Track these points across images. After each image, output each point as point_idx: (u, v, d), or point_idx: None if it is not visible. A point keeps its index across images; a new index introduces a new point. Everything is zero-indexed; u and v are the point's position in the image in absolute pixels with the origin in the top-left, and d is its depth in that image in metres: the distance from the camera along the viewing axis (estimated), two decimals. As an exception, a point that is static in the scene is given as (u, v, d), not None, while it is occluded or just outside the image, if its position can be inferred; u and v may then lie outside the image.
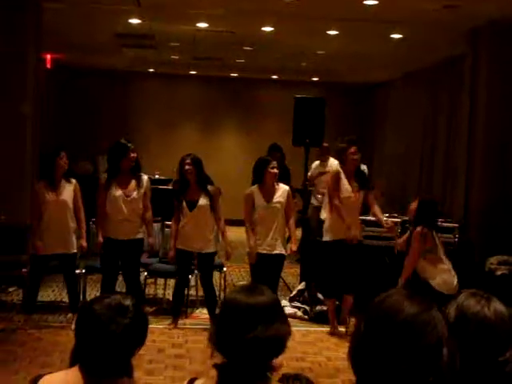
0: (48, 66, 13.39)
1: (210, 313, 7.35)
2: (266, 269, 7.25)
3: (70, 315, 7.35)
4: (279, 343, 2.21)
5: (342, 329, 7.48)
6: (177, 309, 7.60)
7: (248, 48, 11.98)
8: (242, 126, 16.96)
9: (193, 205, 7.32)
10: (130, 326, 2.28)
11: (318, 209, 9.58)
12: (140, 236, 7.37)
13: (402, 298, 1.94)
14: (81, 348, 2.32)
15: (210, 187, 7.38)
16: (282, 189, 7.40)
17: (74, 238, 7.33)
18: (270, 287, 2.35)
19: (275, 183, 7.36)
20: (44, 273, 7.59)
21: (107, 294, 2.42)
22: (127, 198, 7.21)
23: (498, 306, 2.32)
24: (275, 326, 2.19)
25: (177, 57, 13.60)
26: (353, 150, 7.28)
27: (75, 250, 7.36)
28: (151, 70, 16.14)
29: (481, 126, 8.93)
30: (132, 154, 7.19)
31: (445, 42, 10.31)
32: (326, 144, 10.39)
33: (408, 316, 1.89)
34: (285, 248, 7.45)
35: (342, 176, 7.35)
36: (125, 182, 7.23)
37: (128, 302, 2.33)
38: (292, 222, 7.46)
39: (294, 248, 7.51)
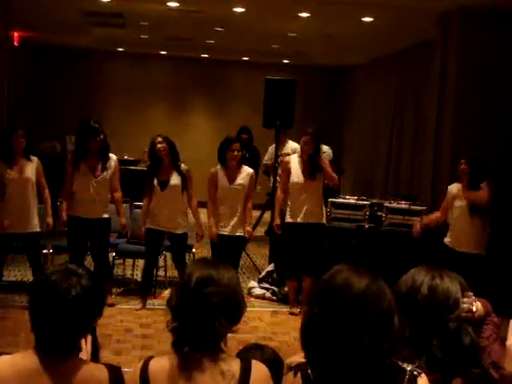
0: (15, 43, 13.18)
1: None
2: (227, 250, 7.24)
3: None
4: (231, 308, 2.30)
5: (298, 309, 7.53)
6: (146, 289, 7.58)
7: (219, 29, 11.90)
8: (213, 107, 16.89)
9: (164, 184, 7.30)
10: (84, 289, 2.21)
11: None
12: (106, 215, 7.33)
13: (350, 274, 2.02)
14: (34, 319, 2.22)
15: (182, 166, 7.37)
16: (246, 171, 7.40)
17: (37, 217, 7.26)
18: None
19: (238, 165, 7.35)
20: (7, 252, 7.51)
21: (63, 263, 2.39)
22: (95, 178, 7.17)
23: (448, 276, 2.44)
24: (223, 290, 2.28)
25: (146, 36, 13.47)
26: (304, 139, 7.44)
27: (39, 229, 7.29)
28: (120, 49, 15.98)
29: (449, 112, 8.98)
30: (101, 136, 7.13)
31: (415, 26, 10.33)
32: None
33: (358, 290, 1.97)
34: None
35: (293, 163, 7.52)
36: (93, 162, 7.18)
37: (81, 270, 2.28)
38: (249, 205, 7.46)
39: (249, 229, 7.49)
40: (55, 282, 2.20)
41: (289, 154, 9.10)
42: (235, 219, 7.33)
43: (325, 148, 9.58)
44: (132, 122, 16.21)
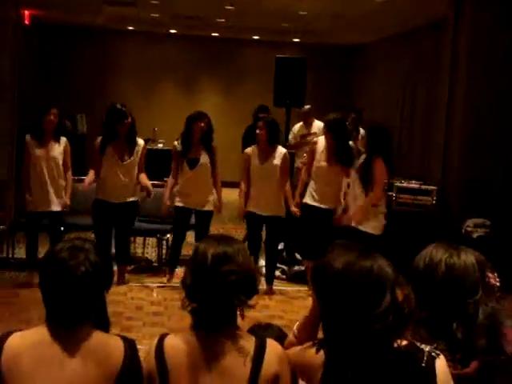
0: (26, 22, 13.16)
1: None
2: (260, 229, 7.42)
3: None
4: (248, 283, 2.30)
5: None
6: (173, 263, 7.63)
7: (229, 7, 11.85)
8: (223, 86, 16.85)
9: (194, 163, 7.35)
10: (92, 264, 2.25)
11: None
12: (133, 199, 7.40)
13: (337, 253, 2.07)
14: (46, 295, 2.27)
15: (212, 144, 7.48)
16: (279, 151, 7.42)
17: (62, 196, 7.33)
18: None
19: (270, 145, 7.38)
20: (37, 231, 7.51)
21: (70, 239, 2.41)
22: (122, 163, 7.23)
23: (465, 253, 2.40)
24: (239, 267, 2.28)
25: (157, 15, 13.42)
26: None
27: (60, 209, 7.36)
28: (131, 28, 15.94)
29: (460, 91, 8.93)
30: (128, 119, 7.19)
31: (427, 5, 10.25)
32: (308, 106, 10.28)
33: (338, 268, 2.02)
34: (280, 209, 7.51)
35: (319, 146, 7.52)
36: (120, 147, 7.24)
37: (87, 245, 2.32)
38: (287, 185, 7.49)
39: (294, 209, 7.49)
40: (64, 259, 2.24)
41: (315, 134, 9.12)
42: (268, 198, 7.37)
43: (362, 132, 9.65)
44: (143, 101, 16.17)
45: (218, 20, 13.61)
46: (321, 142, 7.59)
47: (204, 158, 7.38)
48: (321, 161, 7.49)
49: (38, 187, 7.19)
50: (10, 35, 8.79)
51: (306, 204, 7.54)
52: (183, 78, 16.65)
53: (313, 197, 7.51)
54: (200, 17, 13.23)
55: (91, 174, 7.29)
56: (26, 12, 12.98)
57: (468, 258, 2.38)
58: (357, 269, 2.02)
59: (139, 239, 8.94)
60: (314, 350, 2.14)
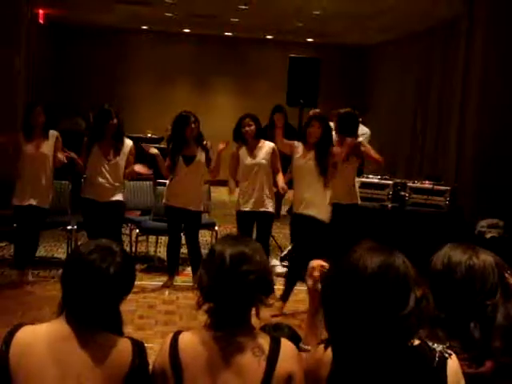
0: (41, 21, 13.23)
1: (194, 272, 7.38)
2: (251, 226, 7.27)
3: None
4: (266, 282, 2.31)
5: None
6: (172, 267, 7.62)
7: (243, 7, 11.86)
8: (236, 85, 16.86)
9: (190, 160, 7.33)
10: (120, 266, 2.29)
11: None
12: (119, 198, 7.37)
13: (363, 253, 2.00)
14: (69, 294, 2.30)
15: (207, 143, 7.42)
16: (267, 146, 7.38)
17: (49, 194, 7.34)
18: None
19: (257, 140, 7.30)
20: (32, 227, 7.40)
21: (94, 240, 2.43)
22: (107, 162, 7.26)
23: (484, 254, 2.38)
24: (257, 266, 2.28)
25: (171, 14, 13.45)
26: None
27: (47, 207, 7.33)
28: (145, 27, 15.98)
29: (475, 89, 8.90)
30: (114, 119, 7.20)
31: (441, 4, 10.22)
32: (314, 110, 10.29)
33: (369, 270, 1.95)
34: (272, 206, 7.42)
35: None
36: (106, 146, 7.27)
37: (115, 246, 2.36)
38: (279, 176, 7.33)
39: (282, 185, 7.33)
40: (94, 261, 2.28)
41: None
42: (261, 194, 7.30)
43: (364, 130, 9.58)
44: (156, 100, 16.23)
45: (232, 19, 13.62)
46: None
47: (200, 156, 7.35)
48: None
49: (26, 182, 7.17)
50: (25, 34, 8.83)
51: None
52: (197, 78, 16.67)
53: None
54: (214, 16, 13.25)
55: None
56: (41, 11, 13.05)
57: (487, 259, 2.36)
58: (393, 269, 1.98)
59: (151, 238, 8.96)
60: (321, 348, 2.14)
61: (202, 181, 7.56)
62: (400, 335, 1.96)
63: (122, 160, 7.31)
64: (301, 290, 7.74)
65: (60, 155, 7.32)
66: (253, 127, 7.27)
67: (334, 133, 7.19)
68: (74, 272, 2.30)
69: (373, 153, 7.44)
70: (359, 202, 7.52)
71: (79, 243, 8.11)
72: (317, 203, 6.74)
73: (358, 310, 1.94)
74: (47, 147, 7.25)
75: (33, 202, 7.19)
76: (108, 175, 7.26)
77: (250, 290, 2.25)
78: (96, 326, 2.28)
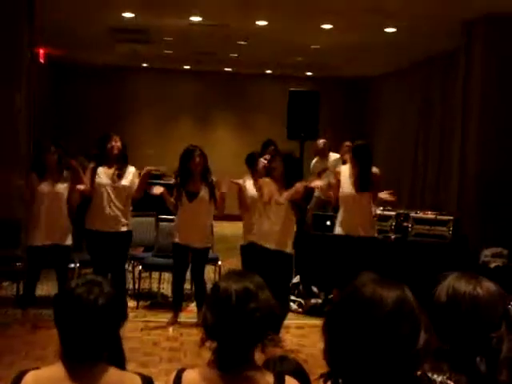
0: (41, 60, 13.35)
1: (199, 308, 7.34)
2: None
3: None
4: (272, 319, 2.27)
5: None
6: (177, 304, 7.56)
7: (242, 42, 11.96)
8: (237, 120, 16.94)
9: (193, 196, 7.31)
10: (108, 298, 2.25)
11: (320, 200, 9.64)
12: (125, 229, 7.32)
13: (377, 286, 1.92)
14: (63, 333, 2.26)
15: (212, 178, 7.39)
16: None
17: (68, 232, 7.24)
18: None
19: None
20: (40, 266, 7.40)
21: (80, 276, 2.41)
22: (113, 186, 7.21)
23: (488, 284, 2.35)
24: (263, 303, 2.24)
25: (171, 51, 13.57)
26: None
27: (69, 243, 7.26)
28: (145, 64, 16.11)
29: (475, 119, 8.93)
30: (115, 142, 7.21)
31: (439, 35, 10.31)
32: (323, 140, 10.38)
33: (390, 305, 1.88)
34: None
35: (343, 174, 7.58)
36: (110, 171, 7.23)
37: (101, 279, 2.33)
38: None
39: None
40: (80, 294, 2.24)
41: (328, 168, 9.16)
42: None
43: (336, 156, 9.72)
44: (157, 137, 16.30)
45: (231, 55, 13.73)
46: (344, 169, 7.62)
47: (204, 192, 7.31)
48: (347, 188, 7.46)
49: (42, 222, 7.08)
50: (25, 73, 8.89)
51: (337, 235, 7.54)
52: (197, 113, 16.77)
53: (342, 226, 7.50)
54: (213, 53, 13.36)
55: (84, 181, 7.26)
56: (41, 51, 13.17)
57: (492, 290, 2.33)
58: (407, 305, 1.93)
59: (155, 274, 8.92)
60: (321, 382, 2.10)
61: (209, 217, 7.47)
62: (407, 370, 1.93)
63: (126, 183, 7.26)
64: (306, 323, 7.71)
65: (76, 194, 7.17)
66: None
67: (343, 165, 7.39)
68: (64, 308, 2.27)
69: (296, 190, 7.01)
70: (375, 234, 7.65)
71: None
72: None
73: (371, 345, 1.87)
74: (63, 185, 7.14)
75: (50, 241, 7.09)
76: (114, 201, 7.20)
77: (257, 328, 2.22)
78: (98, 363, 2.24)
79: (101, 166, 7.25)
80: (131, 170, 7.37)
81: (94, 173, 7.25)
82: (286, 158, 6.86)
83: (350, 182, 7.46)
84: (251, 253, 7.01)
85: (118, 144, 7.23)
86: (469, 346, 2.27)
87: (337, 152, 10.54)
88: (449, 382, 2.04)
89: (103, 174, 7.23)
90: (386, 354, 1.87)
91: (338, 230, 7.60)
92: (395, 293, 1.91)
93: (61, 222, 7.16)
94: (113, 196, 7.21)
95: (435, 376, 2.04)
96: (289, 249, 6.94)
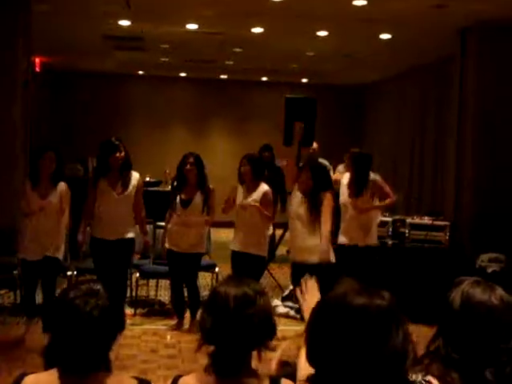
0: (37, 69, 13.35)
1: (192, 313, 7.34)
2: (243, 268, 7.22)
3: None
4: (269, 324, 2.29)
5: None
6: (179, 310, 7.54)
7: (238, 50, 12.00)
8: (233, 127, 16.97)
9: (187, 202, 7.31)
10: (104, 310, 2.24)
11: None
12: (130, 236, 7.17)
13: (357, 296, 1.91)
14: (57, 342, 2.24)
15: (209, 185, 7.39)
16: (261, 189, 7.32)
17: (58, 243, 6.86)
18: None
19: (253, 182, 7.30)
20: (35, 277, 7.01)
21: (77, 284, 2.39)
22: (116, 196, 7.04)
23: (502, 294, 2.32)
24: (261, 309, 2.26)
25: (167, 59, 13.59)
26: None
27: (58, 256, 6.84)
28: (141, 72, 16.14)
29: (470, 126, 8.96)
30: (121, 152, 7.04)
31: (434, 42, 10.35)
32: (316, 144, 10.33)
33: (355, 306, 1.87)
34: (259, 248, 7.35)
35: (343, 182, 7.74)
36: (113, 179, 7.05)
37: (97, 288, 2.30)
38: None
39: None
40: (78, 305, 2.23)
41: None
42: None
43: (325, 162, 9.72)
44: (154, 144, 16.31)
45: (227, 62, 13.76)
46: (345, 178, 7.68)
47: (198, 199, 7.29)
48: (344, 195, 7.56)
49: (32, 234, 6.76)
50: (22, 84, 8.90)
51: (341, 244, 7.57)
52: (193, 121, 16.79)
53: (343, 235, 7.57)
54: (209, 60, 13.39)
55: (83, 225, 7.15)
56: (37, 59, 13.18)
57: (505, 300, 2.30)
58: (375, 307, 1.92)
59: (152, 281, 8.92)
60: None
61: (202, 224, 7.41)
62: (386, 370, 1.90)
63: (131, 193, 7.09)
64: (303, 329, 7.70)
65: (61, 247, 6.87)
66: (247, 167, 7.29)
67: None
68: (60, 318, 2.25)
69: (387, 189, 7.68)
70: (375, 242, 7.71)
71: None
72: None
73: (343, 344, 1.86)
74: (54, 196, 6.78)
75: (39, 254, 6.74)
76: (118, 210, 7.02)
77: (254, 333, 2.23)
78: (94, 373, 2.23)
79: (104, 175, 7.07)
80: (135, 177, 7.18)
81: (95, 184, 7.08)
82: (313, 168, 7.03)
83: (347, 188, 7.53)
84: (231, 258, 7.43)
85: (122, 154, 7.05)
86: (479, 355, 2.25)
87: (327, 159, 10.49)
88: (426, 378, 2.03)
89: (106, 184, 7.05)
90: (358, 352, 1.85)
91: (340, 239, 7.62)
92: (378, 301, 1.89)
93: (51, 235, 6.77)
94: (117, 205, 7.04)
95: (413, 376, 2.03)
96: (253, 250, 7.20)
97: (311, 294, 2.64)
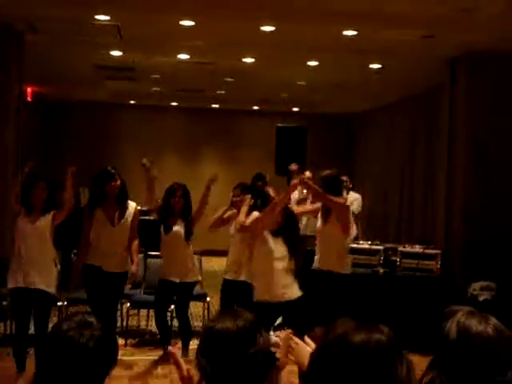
0: (28, 99, 13.38)
1: (184, 344, 7.29)
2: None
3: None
4: (268, 358, 2.24)
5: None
6: (164, 339, 7.49)
7: (229, 79, 12.06)
8: (224, 157, 17.00)
9: (168, 229, 7.32)
10: (99, 342, 2.20)
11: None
12: (125, 269, 7.06)
13: (348, 328, 1.88)
14: (48, 376, 2.18)
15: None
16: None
17: (49, 274, 6.50)
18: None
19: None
20: (27, 308, 6.58)
21: (69, 315, 2.36)
22: (112, 227, 6.96)
23: (497, 324, 2.31)
24: (261, 343, 2.19)
25: (158, 89, 13.65)
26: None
27: (49, 290, 6.49)
28: (132, 101, 16.19)
29: (461, 156, 9.00)
30: (117, 180, 7.01)
31: (423, 72, 10.44)
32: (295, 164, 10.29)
33: (356, 344, 1.83)
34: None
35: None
36: (110, 209, 6.98)
37: (90, 319, 2.26)
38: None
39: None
40: (72, 337, 2.19)
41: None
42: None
43: (356, 195, 9.58)
44: (145, 173, 16.27)
45: (218, 92, 13.83)
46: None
47: (178, 226, 7.29)
48: (318, 221, 6.99)
49: (20, 264, 6.42)
50: (14, 112, 8.91)
51: (313, 270, 7.32)
52: (185, 150, 16.82)
53: (316, 261, 7.14)
54: (200, 89, 13.46)
55: (77, 260, 7.14)
56: (29, 89, 13.21)
57: (500, 330, 2.29)
58: (375, 343, 1.91)
59: (143, 311, 8.87)
60: None
61: (187, 251, 7.35)
62: None
63: (127, 223, 7.02)
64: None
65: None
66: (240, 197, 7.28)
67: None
68: (53, 351, 2.20)
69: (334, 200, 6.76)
70: (345, 271, 6.88)
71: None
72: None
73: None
74: (44, 224, 6.50)
75: (31, 285, 6.37)
76: (114, 240, 6.93)
77: (258, 370, 2.16)
78: None
79: (100, 204, 6.98)
80: (132, 206, 7.14)
81: (90, 214, 6.99)
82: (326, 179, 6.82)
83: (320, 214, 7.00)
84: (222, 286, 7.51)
85: (118, 183, 7.01)
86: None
87: None
88: None
89: (103, 214, 6.97)
90: None
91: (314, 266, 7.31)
92: (377, 336, 1.86)
93: (41, 264, 6.44)
94: (112, 236, 6.93)
95: None
96: (242, 277, 7.17)
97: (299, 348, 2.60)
